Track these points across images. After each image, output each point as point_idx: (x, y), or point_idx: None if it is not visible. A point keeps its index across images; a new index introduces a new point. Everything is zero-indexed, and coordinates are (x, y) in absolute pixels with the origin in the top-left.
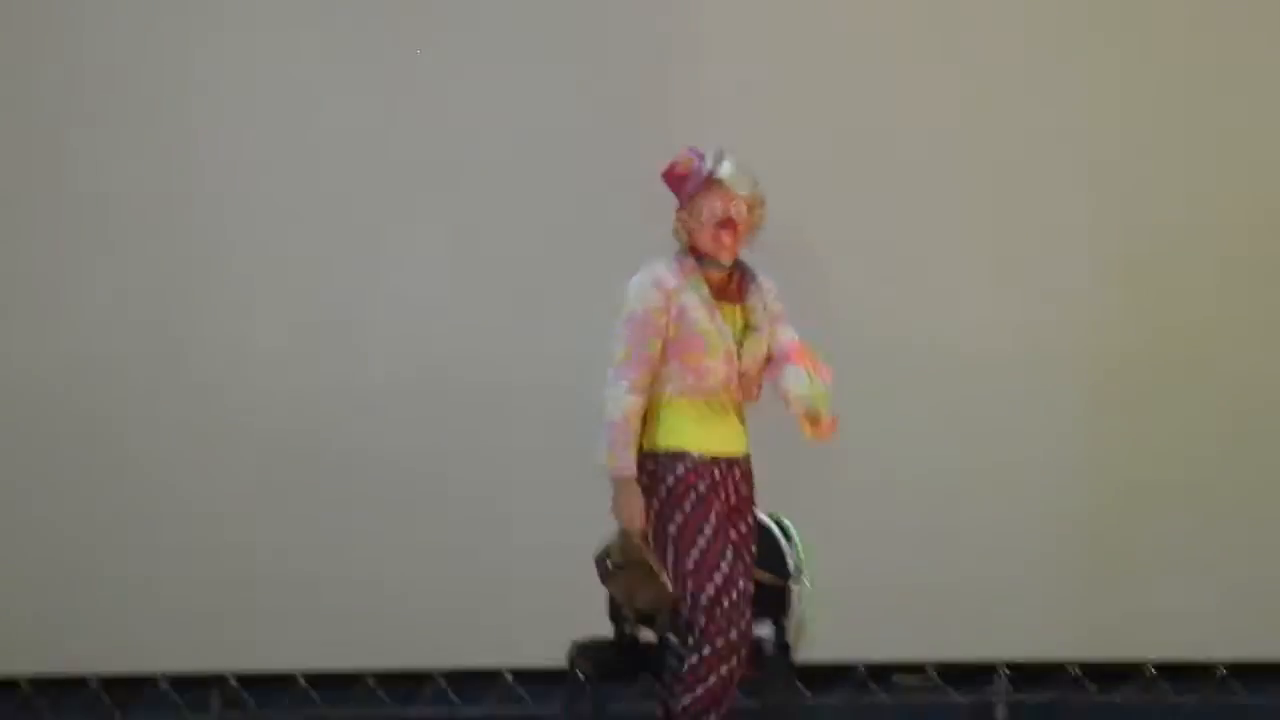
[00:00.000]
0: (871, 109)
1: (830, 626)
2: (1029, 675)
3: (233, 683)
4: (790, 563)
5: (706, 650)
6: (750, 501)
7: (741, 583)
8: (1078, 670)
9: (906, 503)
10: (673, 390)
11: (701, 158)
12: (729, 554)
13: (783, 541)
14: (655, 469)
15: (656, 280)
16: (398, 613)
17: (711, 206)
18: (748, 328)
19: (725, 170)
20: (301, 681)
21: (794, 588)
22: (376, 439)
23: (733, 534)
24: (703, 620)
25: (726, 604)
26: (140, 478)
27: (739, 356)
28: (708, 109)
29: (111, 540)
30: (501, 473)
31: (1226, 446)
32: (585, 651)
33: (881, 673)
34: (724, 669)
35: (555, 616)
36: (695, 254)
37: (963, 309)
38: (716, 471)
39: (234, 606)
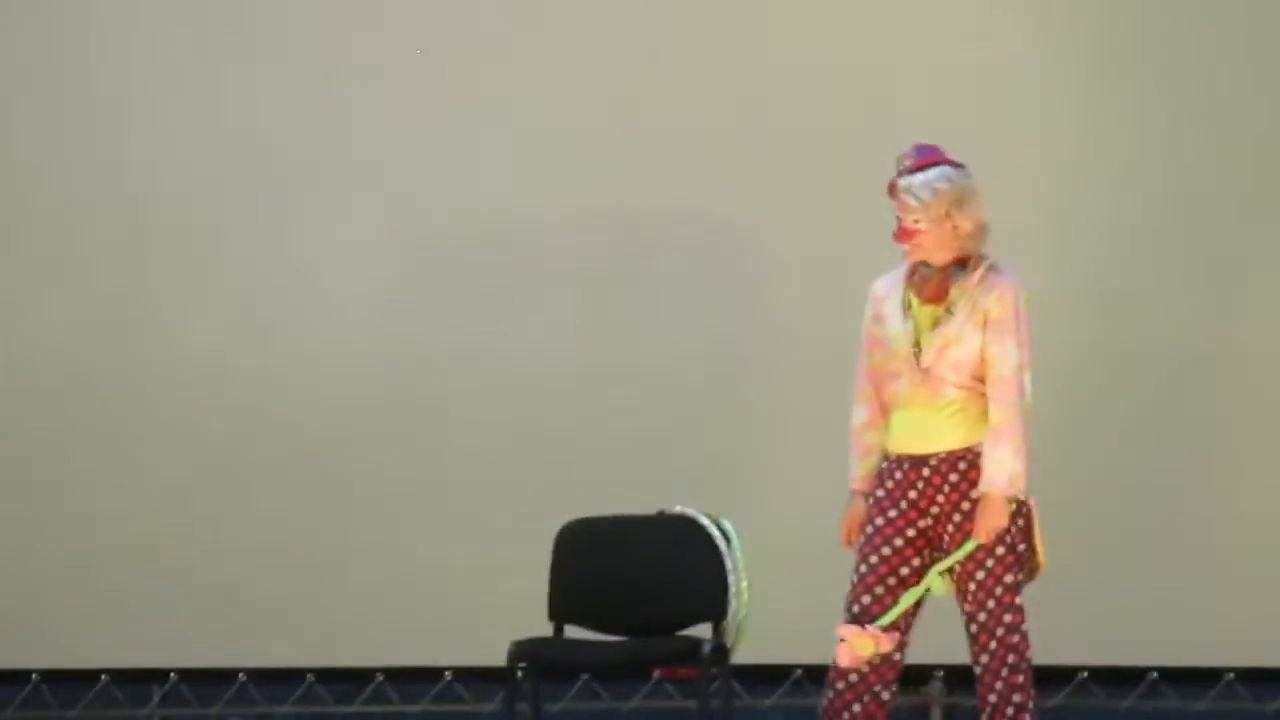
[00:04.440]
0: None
1: (768, 629)
2: (964, 679)
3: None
4: (728, 563)
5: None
6: (959, 497)
7: (890, 581)
8: None
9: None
10: (891, 393)
11: (912, 157)
12: (879, 554)
13: (721, 543)
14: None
15: (870, 291)
16: (339, 612)
17: (896, 210)
18: (942, 323)
19: (905, 179)
20: (242, 677)
21: (732, 590)
22: (316, 437)
23: (911, 531)
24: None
25: (858, 598)
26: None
27: (918, 356)
28: None
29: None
30: (441, 474)
31: (1161, 448)
32: (525, 650)
33: (818, 674)
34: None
35: (495, 616)
36: None
37: None
38: (900, 472)
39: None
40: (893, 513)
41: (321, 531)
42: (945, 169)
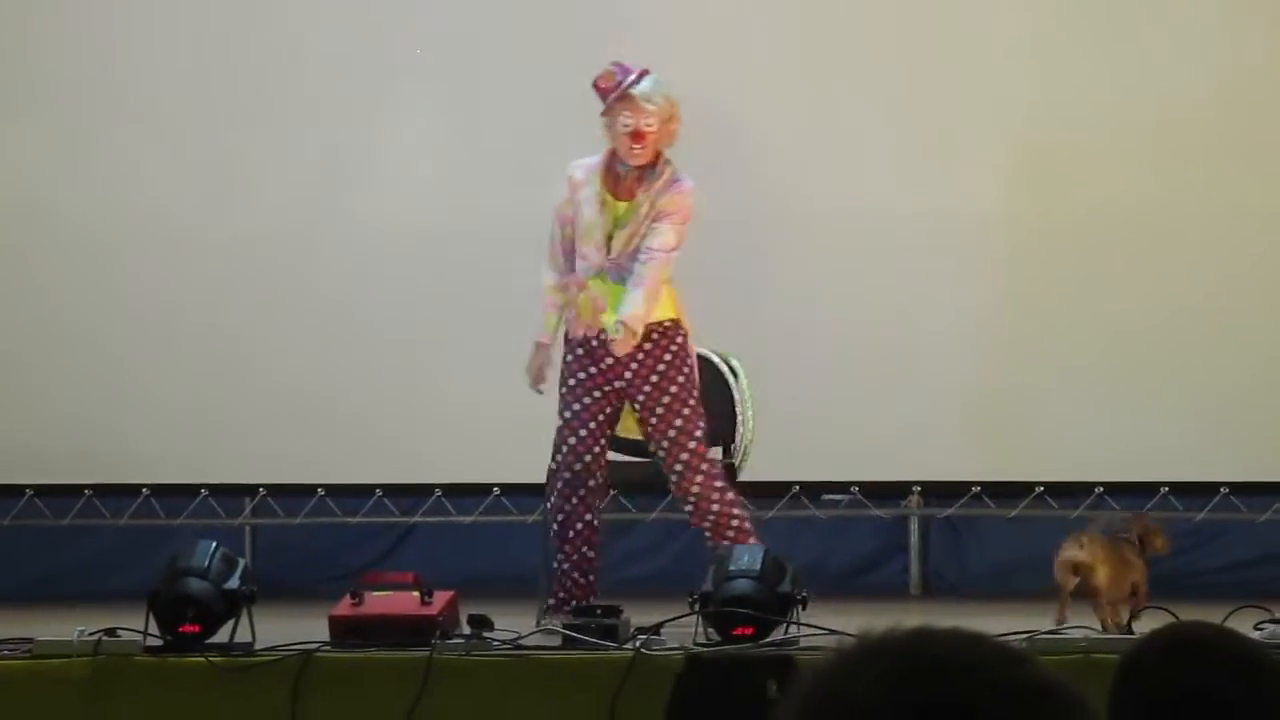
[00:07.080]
0: None
1: (770, 452)
2: (937, 493)
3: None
4: (736, 395)
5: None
6: (648, 371)
7: (582, 431)
8: (978, 489)
9: (837, 348)
10: (578, 269)
11: (625, 73)
12: (574, 407)
13: (730, 378)
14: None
15: (568, 175)
16: (406, 440)
17: (624, 119)
18: (626, 221)
19: (639, 87)
20: (321, 492)
21: (739, 417)
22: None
23: (596, 394)
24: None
25: (564, 441)
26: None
27: (608, 247)
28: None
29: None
30: (496, 326)
31: (1108, 301)
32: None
33: (812, 490)
34: (554, 485)
35: (536, 441)
36: (614, 153)
37: (889, 183)
38: (587, 347)
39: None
40: (582, 375)
41: (389, 374)
42: (656, 76)
